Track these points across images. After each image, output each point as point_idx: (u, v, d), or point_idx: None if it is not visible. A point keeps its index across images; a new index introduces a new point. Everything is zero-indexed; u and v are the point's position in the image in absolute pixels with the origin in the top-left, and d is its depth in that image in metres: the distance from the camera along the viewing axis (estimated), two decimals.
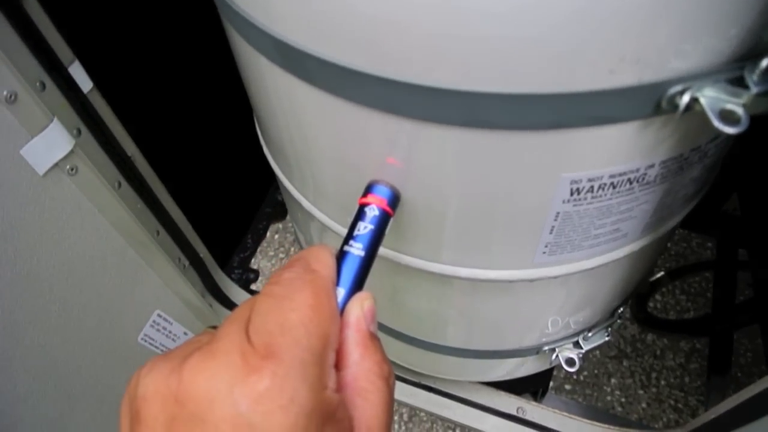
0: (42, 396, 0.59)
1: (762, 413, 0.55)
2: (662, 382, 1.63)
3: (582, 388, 1.60)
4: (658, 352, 1.66)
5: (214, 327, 0.30)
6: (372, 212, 0.39)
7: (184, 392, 0.25)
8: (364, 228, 0.38)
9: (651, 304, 1.61)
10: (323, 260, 0.31)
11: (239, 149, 1.05)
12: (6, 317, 0.52)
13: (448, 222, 0.45)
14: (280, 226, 2.07)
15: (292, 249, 2.00)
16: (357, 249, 0.36)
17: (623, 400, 1.59)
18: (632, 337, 1.69)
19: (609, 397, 1.59)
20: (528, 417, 0.85)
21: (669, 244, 1.76)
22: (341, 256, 0.35)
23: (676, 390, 1.60)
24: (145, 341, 0.70)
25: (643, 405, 1.59)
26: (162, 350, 0.74)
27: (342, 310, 0.31)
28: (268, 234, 1.98)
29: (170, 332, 0.74)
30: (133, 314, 0.68)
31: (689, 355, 1.63)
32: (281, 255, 1.99)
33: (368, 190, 0.42)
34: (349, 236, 0.37)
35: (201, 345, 0.27)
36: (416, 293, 0.58)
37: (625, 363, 1.67)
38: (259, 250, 1.17)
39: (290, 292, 0.28)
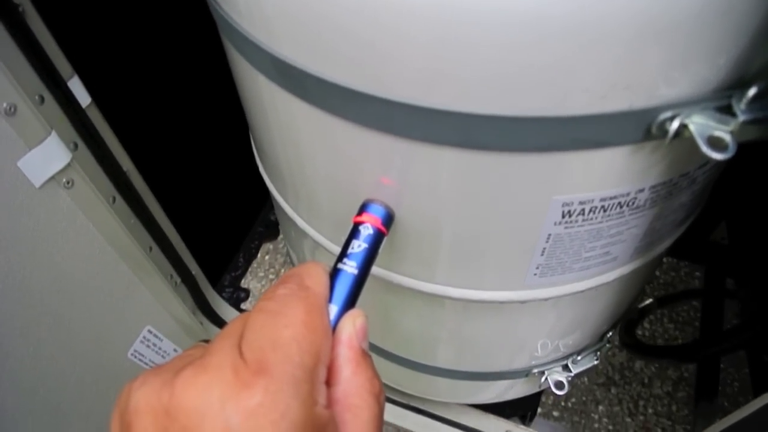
0: (30, 411, 0.59)
1: None
2: (650, 410, 1.62)
3: (570, 415, 1.59)
4: (646, 380, 1.66)
5: (206, 341, 0.30)
6: (366, 231, 0.39)
7: (175, 406, 0.25)
8: (358, 246, 0.38)
9: (639, 332, 1.61)
10: (317, 277, 0.32)
11: (233, 169, 1.05)
12: None
13: (442, 242, 0.46)
14: (271, 246, 2.06)
15: (282, 270, 1.99)
16: (351, 267, 0.36)
17: (611, 427, 1.58)
18: (620, 365, 1.69)
19: (596, 425, 1.58)
20: None
21: (657, 273, 1.77)
22: (335, 273, 0.35)
23: (664, 418, 1.60)
24: (135, 357, 0.69)
25: None
26: (151, 366, 0.73)
27: (334, 327, 0.32)
28: (259, 254, 1.98)
29: (160, 348, 0.74)
30: (124, 329, 0.67)
31: (677, 383, 1.63)
32: (271, 276, 1.98)
33: (363, 208, 0.42)
34: (343, 254, 0.37)
35: (193, 359, 0.27)
36: (408, 313, 0.58)
37: (613, 390, 1.67)
38: (249, 270, 1.16)
39: (283, 309, 0.28)
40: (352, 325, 0.31)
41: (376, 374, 0.31)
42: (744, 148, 0.32)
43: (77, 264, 0.57)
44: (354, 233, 0.39)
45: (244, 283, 1.12)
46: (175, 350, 0.77)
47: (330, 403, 0.29)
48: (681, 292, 1.50)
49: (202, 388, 0.25)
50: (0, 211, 0.48)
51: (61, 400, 0.62)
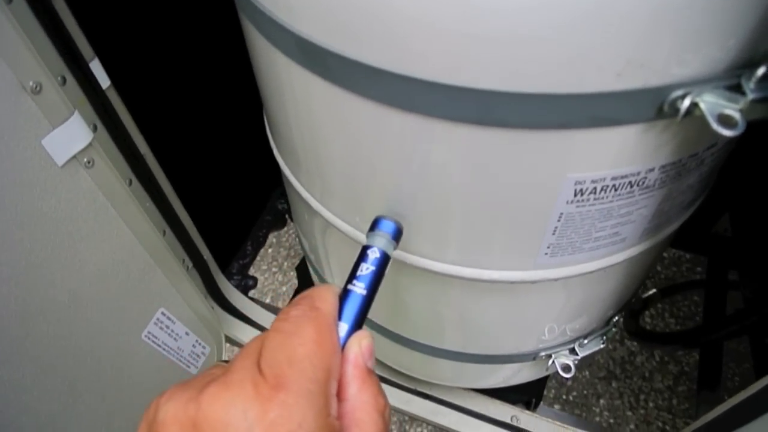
0: (47, 387, 0.60)
1: (750, 418, 0.56)
2: (650, 404, 1.64)
3: (571, 408, 1.60)
4: (647, 374, 1.68)
5: (225, 361, 0.33)
6: (374, 254, 0.42)
7: (202, 418, 0.27)
8: (366, 269, 0.41)
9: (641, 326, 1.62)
10: (327, 299, 0.35)
11: (243, 157, 1.06)
12: (18, 306, 0.53)
13: (456, 220, 0.47)
14: (274, 240, 2.08)
15: (285, 263, 2.01)
16: (359, 288, 0.39)
17: (612, 420, 1.60)
18: (621, 359, 1.70)
19: (598, 418, 1.59)
20: (522, 425, 0.86)
21: (659, 268, 1.79)
22: (345, 294, 0.39)
23: (664, 412, 1.61)
24: (148, 338, 0.71)
25: (631, 426, 1.59)
26: (164, 349, 0.74)
27: (343, 345, 0.34)
28: (262, 248, 1.99)
29: (172, 331, 0.75)
30: (138, 311, 0.68)
31: (678, 377, 1.65)
32: (274, 269, 2.00)
33: (374, 224, 0.46)
34: (353, 276, 0.40)
35: (215, 377, 0.30)
36: (418, 294, 0.59)
37: (614, 384, 1.69)
38: (252, 263, 1.19)
39: (296, 329, 0.31)
40: (358, 345, 0.34)
41: (381, 391, 0.33)
42: (747, 142, 0.33)
43: (96, 244, 0.58)
44: (362, 256, 0.42)
45: (251, 272, 1.13)
46: (186, 333, 0.78)
47: (339, 416, 0.31)
48: (684, 282, 1.52)
49: (227, 402, 0.28)
50: (24, 189, 0.49)
51: (78, 378, 0.63)
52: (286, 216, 1.22)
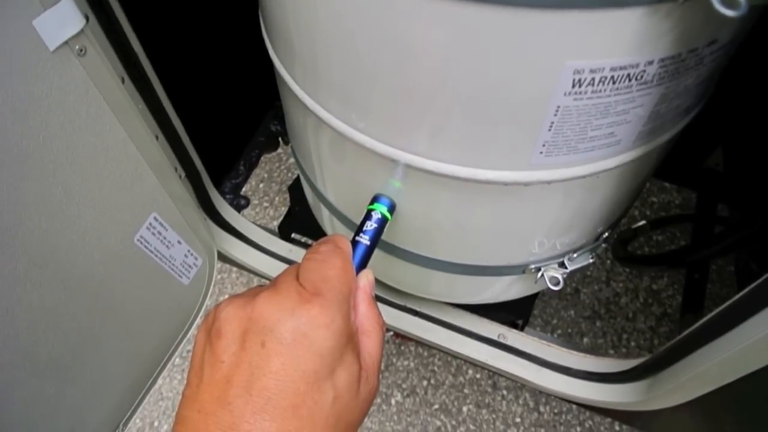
0: (40, 281, 0.60)
1: (726, 329, 0.58)
2: (632, 344, 1.68)
3: None
4: (631, 315, 1.72)
5: (260, 286, 0.42)
6: (376, 215, 0.56)
7: (257, 315, 0.37)
8: (370, 226, 0.55)
9: (627, 271, 1.66)
10: (345, 243, 0.47)
11: (237, 75, 1.05)
12: (11, 194, 0.52)
13: (451, 112, 0.47)
14: (266, 175, 2.09)
15: (277, 198, 2.02)
16: (365, 240, 0.52)
17: None
18: (607, 300, 1.74)
19: None
20: (509, 343, 0.88)
21: (648, 213, 1.80)
22: (354, 243, 0.51)
23: (645, 351, 1.65)
24: (141, 243, 0.71)
25: None
26: (156, 255, 0.75)
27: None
28: (253, 182, 2.01)
29: (165, 238, 0.75)
30: (131, 213, 0.68)
31: (660, 319, 1.69)
32: (265, 203, 2.02)
33: (374, 199, 0.59)
34: (360, 230, 0.54)
35: (263, 289, 0.39)
36: (411, 198, 0.59)
37: (598, 323, 1.72)
38: (249, 177, 1.19)
39: (327, 258, 0.43)
40: (366, 278, 0.46)
41: (380, 312, 0.45)
42: (742, 77, 0.33)
43: (88, 138, 0.58)
44: (368, 216, 0.56)
45: (243, 192, 1.14)
46: (179, 242, 0.78)
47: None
48: (673, 216, 1.54)
49: (277, 302, 0.38)
50: (14, 71, 0.48)
51: (71, 277, 0.63)
52: (279, 139, 1.21)
